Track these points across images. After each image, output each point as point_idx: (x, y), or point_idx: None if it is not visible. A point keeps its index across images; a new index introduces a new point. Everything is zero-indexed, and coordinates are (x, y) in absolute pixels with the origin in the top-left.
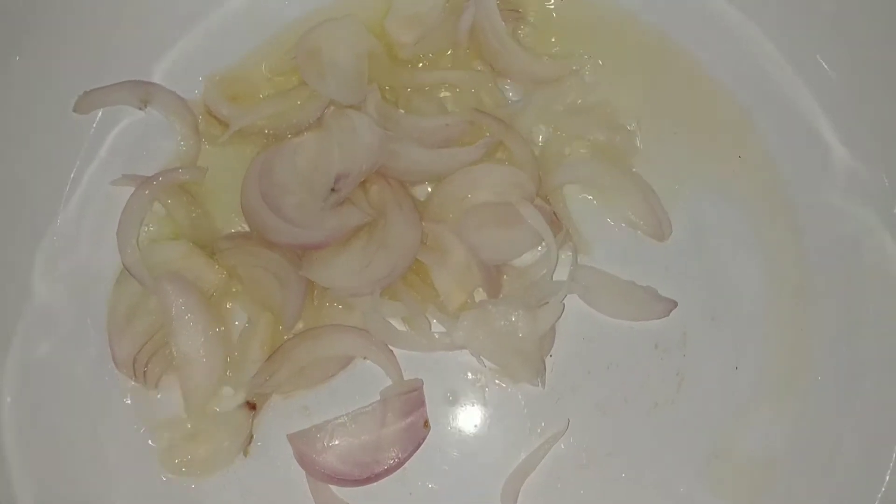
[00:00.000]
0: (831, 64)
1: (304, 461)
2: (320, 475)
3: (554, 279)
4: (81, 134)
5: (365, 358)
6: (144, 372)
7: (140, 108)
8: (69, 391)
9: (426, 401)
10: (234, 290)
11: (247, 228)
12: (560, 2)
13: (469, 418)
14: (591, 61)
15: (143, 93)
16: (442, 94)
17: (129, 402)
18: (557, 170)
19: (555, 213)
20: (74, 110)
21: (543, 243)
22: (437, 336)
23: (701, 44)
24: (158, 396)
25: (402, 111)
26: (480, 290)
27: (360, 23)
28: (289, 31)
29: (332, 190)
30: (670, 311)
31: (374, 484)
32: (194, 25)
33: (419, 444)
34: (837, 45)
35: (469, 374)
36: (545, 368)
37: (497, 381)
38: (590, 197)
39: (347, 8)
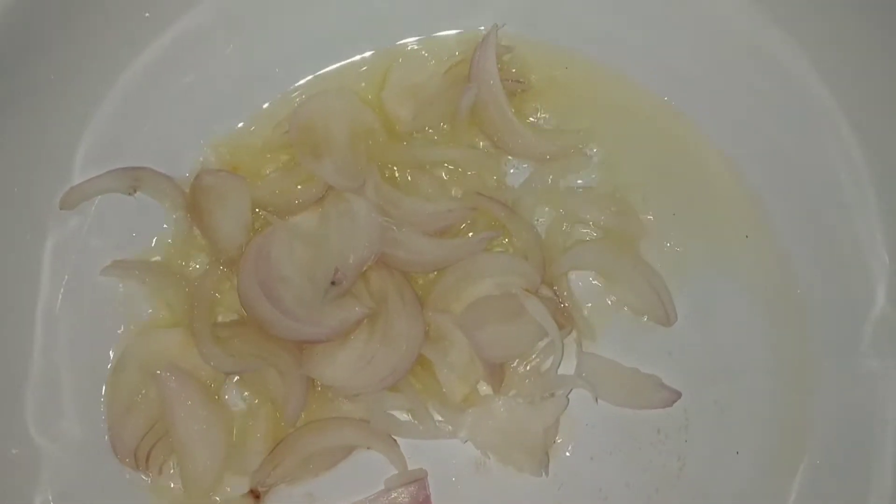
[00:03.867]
0: (859, 143)
1: None
2: None
3: (559, 371)
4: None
5: (368, 447)
6: (147, 461)
7: (129, 195)
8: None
9: (430, 488)
10: (233, 379)
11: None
12: (565, 70)
13: None
14: (595, 136)
15: (132, 178)
16: (442, 172)
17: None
18: (563, 256)
19: (561, 303)
20: (60, 207)
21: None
22: (439, 424)
23: (707, 116)
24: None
25: (403, 195)
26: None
27: (355, 96)
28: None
29: (332, 283)
30: (674, 401)
31: None
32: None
33: None
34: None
35: (473, 461)
36: (549, 460)
37: (502, 467)
38: (594, 281)
39: (341, 80)
